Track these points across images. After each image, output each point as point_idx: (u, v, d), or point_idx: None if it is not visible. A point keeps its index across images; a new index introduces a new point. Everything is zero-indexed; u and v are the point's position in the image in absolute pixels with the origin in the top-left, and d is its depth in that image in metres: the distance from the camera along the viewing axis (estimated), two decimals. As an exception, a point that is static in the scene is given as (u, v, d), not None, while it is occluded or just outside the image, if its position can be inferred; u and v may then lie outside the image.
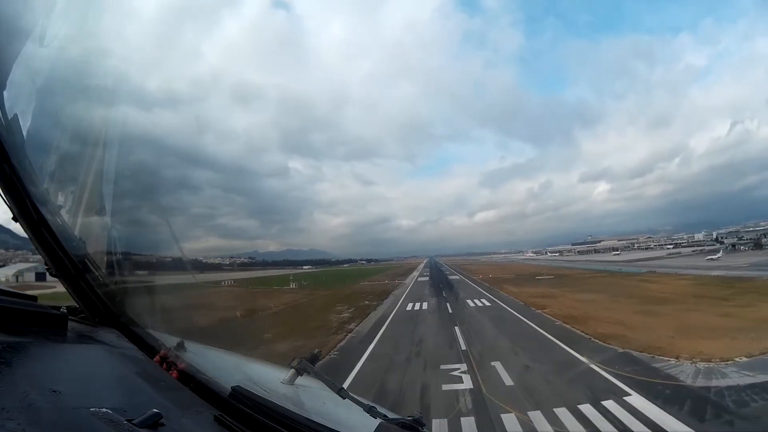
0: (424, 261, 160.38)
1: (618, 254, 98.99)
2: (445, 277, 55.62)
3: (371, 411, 1.38)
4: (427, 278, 55.03)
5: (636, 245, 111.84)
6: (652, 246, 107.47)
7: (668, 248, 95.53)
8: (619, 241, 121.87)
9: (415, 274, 68.79)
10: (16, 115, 1.50)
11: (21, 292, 1.54)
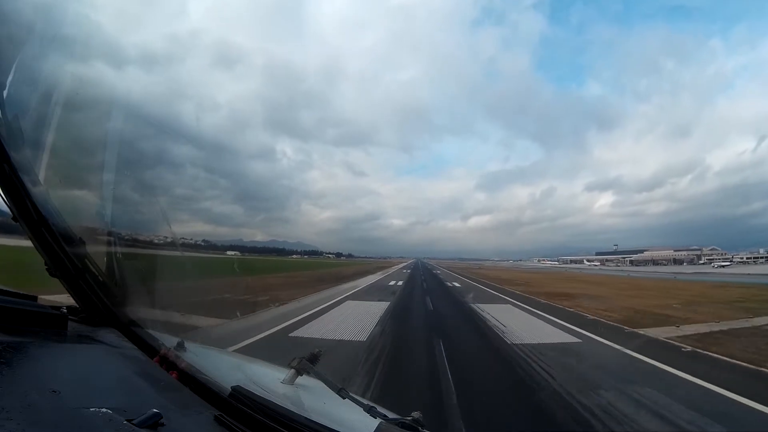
0: (409, 261, 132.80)
1: (725, 266, 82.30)
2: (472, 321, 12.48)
3: (371, 411, 1.38)
4: (378, 330, 10.06)
5: (704, 258, 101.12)
6: (735, 260, 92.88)
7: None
8: (675, 251, 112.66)
9: (372, 280, 31.41)
10: (16, 115, 1.50)
11: (21, 292, 1.54)
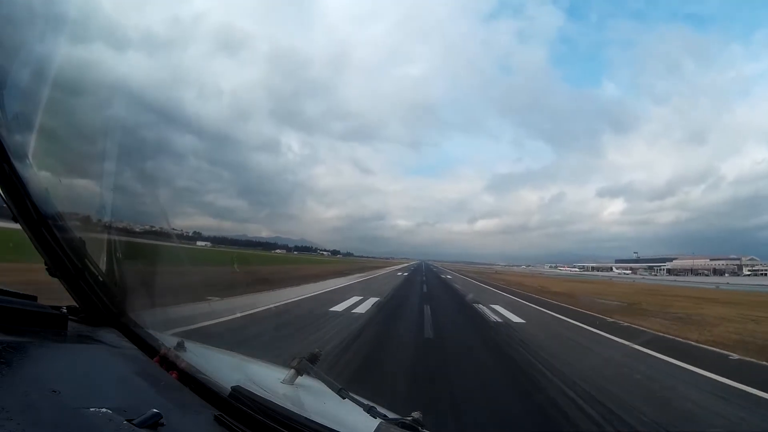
0: (411, 263, 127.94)
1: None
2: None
3: (371, 411, 1.38)
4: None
5: (746, 268, 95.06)
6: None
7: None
8: (712, 260, 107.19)
9: (325, 288, 17.28)
10: (16, 115, 1.50)
11: (21, 291, 1.54)
